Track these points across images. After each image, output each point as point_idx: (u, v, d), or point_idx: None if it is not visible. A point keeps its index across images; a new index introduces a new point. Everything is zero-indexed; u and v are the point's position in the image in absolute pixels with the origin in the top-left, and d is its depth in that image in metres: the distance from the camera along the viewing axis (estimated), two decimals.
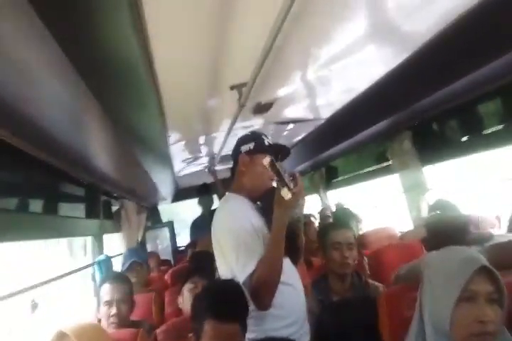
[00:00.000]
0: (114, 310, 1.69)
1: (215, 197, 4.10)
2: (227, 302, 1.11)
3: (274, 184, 1.47)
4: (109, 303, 1.72)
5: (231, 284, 1.20)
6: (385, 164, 3.08)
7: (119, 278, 1.83)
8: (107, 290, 1.74)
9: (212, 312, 1.08)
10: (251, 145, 1.47)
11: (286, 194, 1.19)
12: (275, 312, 1.28)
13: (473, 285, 0.94)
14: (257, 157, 1.45)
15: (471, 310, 0.93)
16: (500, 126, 2.08)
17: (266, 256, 1.26)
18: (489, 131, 2.15)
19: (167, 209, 5.42)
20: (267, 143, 1.48)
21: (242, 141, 1.52)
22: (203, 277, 1.81)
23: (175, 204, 5.29)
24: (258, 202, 1.52)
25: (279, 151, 1.49)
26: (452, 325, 0.95)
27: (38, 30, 0.78)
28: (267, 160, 1.24)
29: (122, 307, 1.72)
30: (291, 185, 1.21)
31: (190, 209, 4.86)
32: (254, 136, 1.51)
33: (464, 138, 2.37)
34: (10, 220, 1.48)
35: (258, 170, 1.44)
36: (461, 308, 0.94)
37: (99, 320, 1.75)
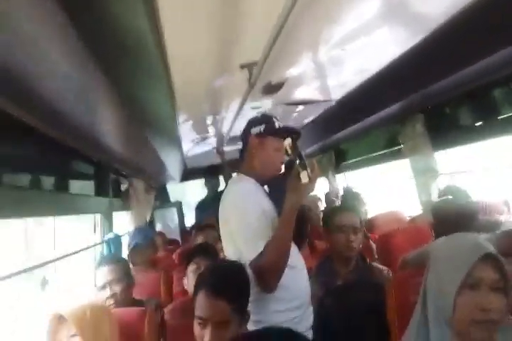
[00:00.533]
0: (108, 292, 1.70)
1: (221, 179, 4.11)
2: (220, 278, 1.12)
3: (283, 168, 1.48)
4: (103, 287, 1.72)
5: (232, 264, 1.22)
6: (395, 148, 3.04)
7: (111, 260, 1.83)
8: (100, 274, 1.75)
9: (203, 284, 1.11)
10: (261, 128, 1.45)
11: (304, 177, 1.20)
12: (280, 294, 1.29)
13: (477, 272, 0.93)
14: (268, 140, 1.45)
15: (474, 298, 0.93)
16: None
17: (275, 238, 1.27)
18: (503, 116, 2.10)
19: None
20: (277, 126, 1.46)
21: (253, 123, 1.49)
22: (205, 257, 1.81)
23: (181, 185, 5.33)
24: (265, 186, 1.52)
25: (289, 134, 1.48)
26: (455, 311, 0.94)
27: (52, 10, 0.77)
28: (288, 141, 1.24)
29: (116, 288, 1.71)
30: (309, 171, 1.21)
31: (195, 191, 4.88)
32: (265, 119, 1.49)
33: (478, 123, 2.32)
34: (21, 196, 1.51)
35: (268, 153, 1.44)
36: (464, 295, 0.94)
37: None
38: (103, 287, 1.72)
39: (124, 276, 1.78)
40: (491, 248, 0.97)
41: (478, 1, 1.26)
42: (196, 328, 1.10)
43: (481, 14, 1.33)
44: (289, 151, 1.26)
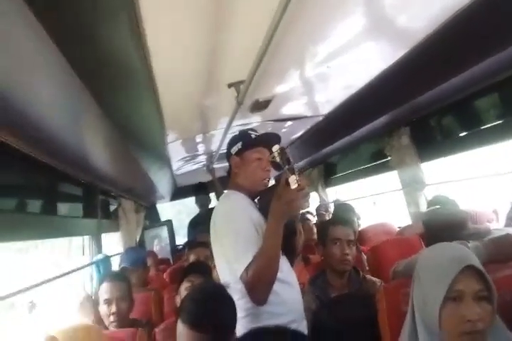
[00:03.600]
0: (113, 309, 1.70)
1: (212, 196, 4.09)
2: (199, 312, 1.07)
3: (272, 181, 1.48)
4: (108, 302, 1.72)
5: (216, 292, 1.15)
6: (383, 160, 3.08)
7: (118, 277, 1.84)
8: (106, 289, 1.74)
9: (183, 316, 1.07)
10: (239, 145, 1.49)
11: (293, 182, 1.17)
12: (273, 309, 1.28)
13: (459, 285, 0.94)
14: (247, 154, 1.48)
15: (458, 310, 0.93)
16: (498, 121, 2.08)
17: (263, 249, 1.25)
18: (487, 126, 2.15)
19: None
20: (253, 136, 1.50)
21: (231, 142, 1.54)
22: (199, 275, 1.80)
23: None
24: (256, 201, 1.52)
25: (267, 139, 1.50)
26: (441, 324, 0.95)
27: (36, 31, 0.77)
28: (276, 147, 1.24)
29: (122, 306, 1.72)
30: (298, 177, 1.18)
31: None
32: (241, 135, 1.54)
33: (462, 134, 2.37)
34: (8, 220, 1.48)
35: (251, 166, 1.47)
36: (449, 308, 0.94)
37: (97, 321, 1.75)
38: (108, 302, 1.70)
39: (129, 295, 1.79)
40: (472, 259, 0.97)
41: (459, 14, 1.30)
42: None
43: (462, 27, 1.37)
44: (277, 158, 1.25)
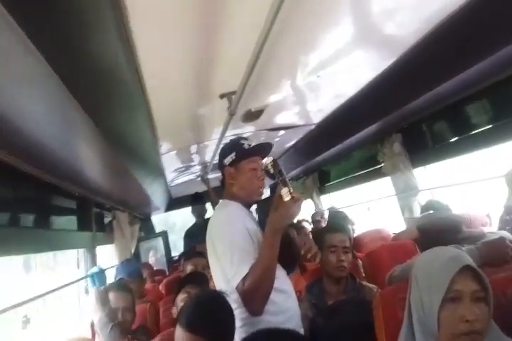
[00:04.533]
0: (119, 318, 1.70)
1: (208, 206, 4.08)
2: (196, 315, 1.10)
3: (266, 187, 1.48)
4: (113, 312, 1.71)
5: (214, 298, 1.18)
6: (376, 167, 3.11)
7: (124, 287, 1.85)
8: (111, 299, 1.74)
9: (181, 319, 1.10)
10: (232, 156, 1.48)
11: (286, 194, 1.18)
12: (269, 318, 1.27)
13: (457, 285, 0.95)
14: (242, 164, 1.47)
15: (457, 310, 0.93)
16: (489, 126, 2.11)
17: (259, 260, 1.25)
18: (478, 130, 2.18)
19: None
20: (247, 147, 1.49)
21: (223, 153, 1.52)
22: (196, 286, 1.79)
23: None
24: (254, 212, 1.52)
25: (261, 149, 1.50)
26: (440, 325, 0.95)
27: (23, 43, 0.77)
28: (269, 159, 1.25)
29: (127, 316, 1.74)
30: (291, 188, 1.20)
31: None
32: (233, 145, 1.51)
33: (454, 139, 2.40)
34: (2, 234, 1.47)
35: (246, 176, 1.46)
36: (447, 309, 0.95)
37: (93, 335, 1.74)
38: (114, 312, 1.70)
39: (133, 307, 1.81)
40: (468, 260, 0.98)
41: (446, 22, 1.33)
42: None
43: (449, 34, 1.40)
44: (271, 170, 1.26)
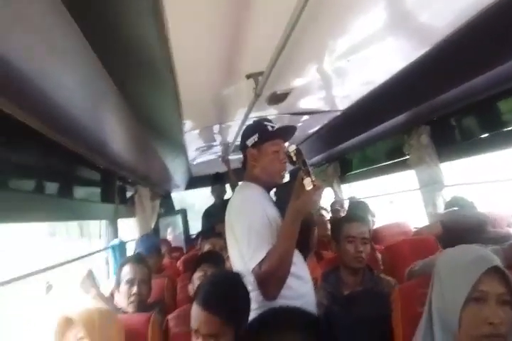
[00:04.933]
0: (135, 289, 1.73)
1: (227, 186, 4.11)
2: (212, 293, 1.12)
3: (287, 171, 1.48)
4: (130, 282, 1.75)
5: (231, 278, 1.20)
6: (401, 159, 3.04)
7: (141, 260, 1.88)
8: (128, 270, 1.78)
9: (197, 297, 1.13)
10: (255, 138, 1.47)
11: (308, 184, 1.18)
12: (285, 303, 1.27)
13: (483, 286, 0.92)
14: (264, 146, 1.47)
15: (481, 311, 0.91)
16: None
17: (277, 245, 1.26)
18: (509, 128, 2.10)
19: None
20: (270, 129, 1.48)
21: (246, 134, 1.52)
22: (212, 265, 1.82)
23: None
24: (272, 195, 1.52)
25: (285, 132, 1.49)
26: (460, 325, 0.93)
27: (62, 16, 0.79)
28: (292, 148, 1.25)
29: (143, 288, 1.76)
30: (313, 177, 1.20)
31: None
32: (257, 127, 1.51)
33: (484, 135, 2.31)
34: (26, 201, 1.52)
35: (269, 158, 1.46)
36: (470, 309, 0.93)
37: (101, 298, 1.79)
38: (130, 283, 1.74)
39: (149, 279, 1.83)
40: (496, 261, 0.96)
41: (484, 13, 1.27)
42: (193, 337, 1.11)
43: (485, 27, 1.34)
44: (294, 158, 1.26)
